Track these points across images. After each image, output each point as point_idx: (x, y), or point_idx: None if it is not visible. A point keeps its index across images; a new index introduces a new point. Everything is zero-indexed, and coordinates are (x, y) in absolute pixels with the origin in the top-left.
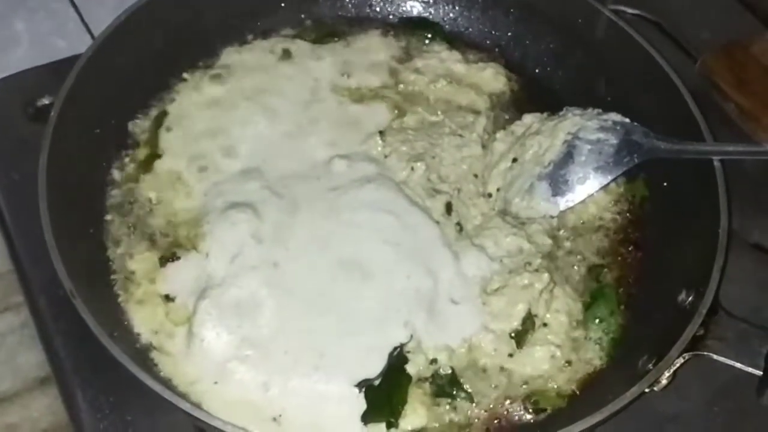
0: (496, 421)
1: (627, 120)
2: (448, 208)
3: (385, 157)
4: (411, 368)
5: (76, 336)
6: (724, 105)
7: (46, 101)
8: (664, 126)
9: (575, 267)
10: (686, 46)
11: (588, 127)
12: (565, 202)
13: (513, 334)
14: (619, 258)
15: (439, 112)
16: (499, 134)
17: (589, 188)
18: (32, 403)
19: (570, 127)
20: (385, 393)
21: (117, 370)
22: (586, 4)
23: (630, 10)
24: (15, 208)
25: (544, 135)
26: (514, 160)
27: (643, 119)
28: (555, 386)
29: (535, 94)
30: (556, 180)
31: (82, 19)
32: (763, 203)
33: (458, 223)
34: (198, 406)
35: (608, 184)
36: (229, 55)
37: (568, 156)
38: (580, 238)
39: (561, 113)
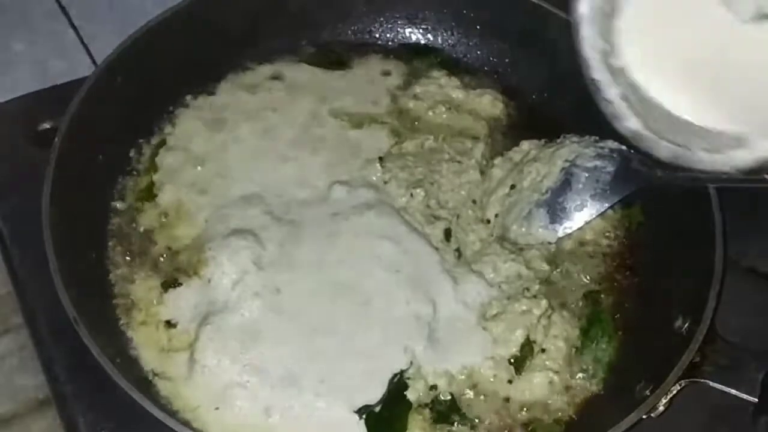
0: None
1: (624, 147)
2: (447, 234)
3: (385, 183)
4: (411, 394)
5: (76, 360)
6: None
7: (47, 125)
8: None
9: (573, 292)
10: None
11: (585, 154)
12: (563, 229)
13: (512, 360)
14: (616, 284)
15: (438, 138)
16: (497, 160)
17: (586, 215)
18: (31, 426)
19: (567, 154)
20: (385, 419)
21: (118, 396)
22: None
23: None
24: (15, 232)
25: (542, 162)
26: (512, 186)
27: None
28: (553, 412)
29: (532, 121)
30: (554, 207)
31: (82, 42)
32: (758, 227)
33: (457, 249)
34: None
35: (605, 211)
36: (231, 80)
37: (565, 183)
38: (578, 264)
39: (558, 140)
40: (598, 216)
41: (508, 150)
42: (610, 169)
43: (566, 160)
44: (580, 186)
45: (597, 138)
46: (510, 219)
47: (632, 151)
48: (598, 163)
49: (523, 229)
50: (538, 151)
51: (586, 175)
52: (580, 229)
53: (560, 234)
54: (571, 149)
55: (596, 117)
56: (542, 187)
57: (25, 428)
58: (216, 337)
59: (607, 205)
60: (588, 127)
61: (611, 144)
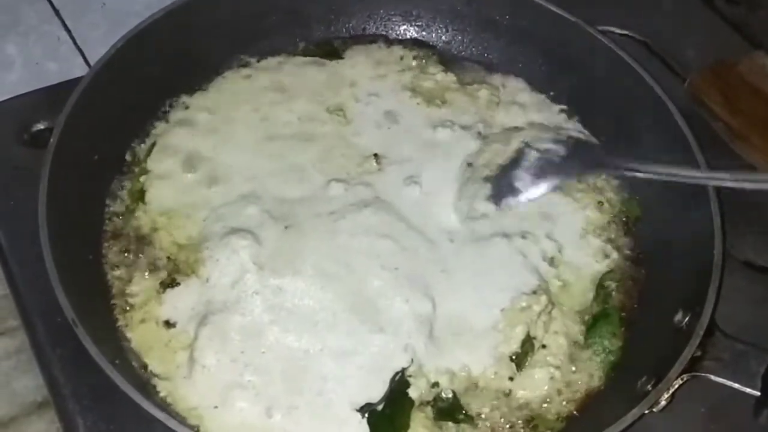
0: None
1: (583, 137)
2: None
3: (382, 179)
4: (413, 392)
5: (75, 362)
6: (713, 124)
7: (41, 126)
8: (655, 145)
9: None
10: (674, 65)
11: (542, 138)
12: (504, 203)
13: (513, 357)
14: (627, 279)
15: (433, 133)
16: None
17: (530, 194)
18: (29, 429)
19: (525, 136)
20: (388, 418)
21: (117, 397)
22: (575, 26)
23: (618, 31)
24: (11, 234)
25: (500, 143)
26: (469, 164)
27: (634, 139)
28: (554, 408)
29: None
30: (499, 183)
31: (75, 42)
32: (754, 221)
33: None
34: None
35: (548, 191)
36: (226, 78)
37: (515, 161)
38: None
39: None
40: (582, 208)
41: None
42: (561, 153)
43: (522, 141)
44: (527, 164)
45: (561, 127)
46: (458, 195)
47: (592, 142)
48: (551, 146)
49: (465, 204)
50: (500, 132)
51: (537, 155)
52: (574, 220)
53: (500, 208)
54: (530, 133)
55: (590, 110)
56: (493, 164)
57: (22, 431)
58: (216, 337)
59: (550, 185)
60: (582, 120)
61: (572, 133)
